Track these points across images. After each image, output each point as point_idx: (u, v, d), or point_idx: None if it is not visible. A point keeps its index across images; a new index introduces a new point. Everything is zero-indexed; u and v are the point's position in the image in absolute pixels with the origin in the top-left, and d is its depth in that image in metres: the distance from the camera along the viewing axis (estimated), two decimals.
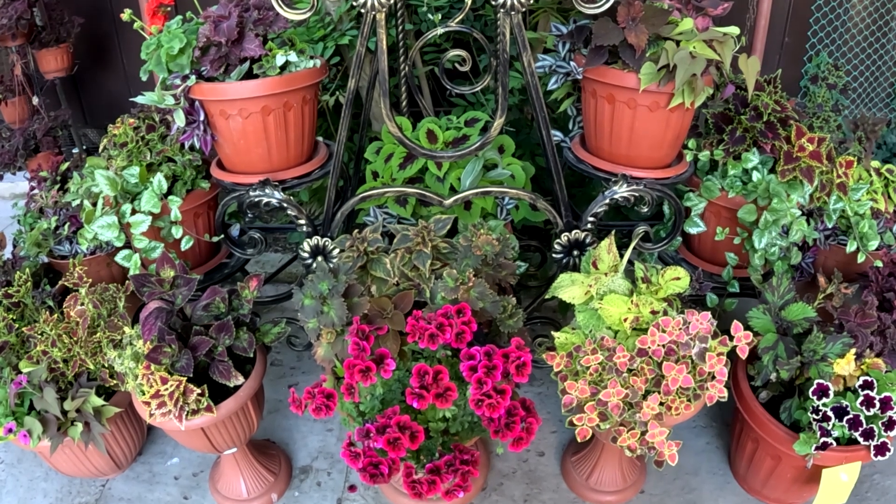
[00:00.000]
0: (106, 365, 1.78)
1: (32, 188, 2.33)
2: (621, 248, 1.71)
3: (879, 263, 1.82)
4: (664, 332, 1.49)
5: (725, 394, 1.50)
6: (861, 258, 1.89)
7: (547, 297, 1.74)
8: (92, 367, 1.76)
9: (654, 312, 1.56)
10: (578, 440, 1.51)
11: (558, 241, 1.86)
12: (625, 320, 1.55)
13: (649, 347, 1.49)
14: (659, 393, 1.48)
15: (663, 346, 1.49)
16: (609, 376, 1.49)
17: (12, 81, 3.09)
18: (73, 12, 3.11)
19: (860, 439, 1.53)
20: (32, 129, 3.08)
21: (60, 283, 1.96)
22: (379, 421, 1.39)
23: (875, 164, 2.03)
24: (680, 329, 1.50)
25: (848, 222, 1.93)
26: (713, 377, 1.49)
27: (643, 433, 1.48)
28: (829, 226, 1.92)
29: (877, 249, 1.91)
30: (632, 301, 1.57)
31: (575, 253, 1.87)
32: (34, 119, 3.12)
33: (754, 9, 2.58)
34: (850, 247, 1.90)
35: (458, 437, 1.52)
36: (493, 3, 1.59)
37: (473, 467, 1.41)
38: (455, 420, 1.49)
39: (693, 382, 1.48)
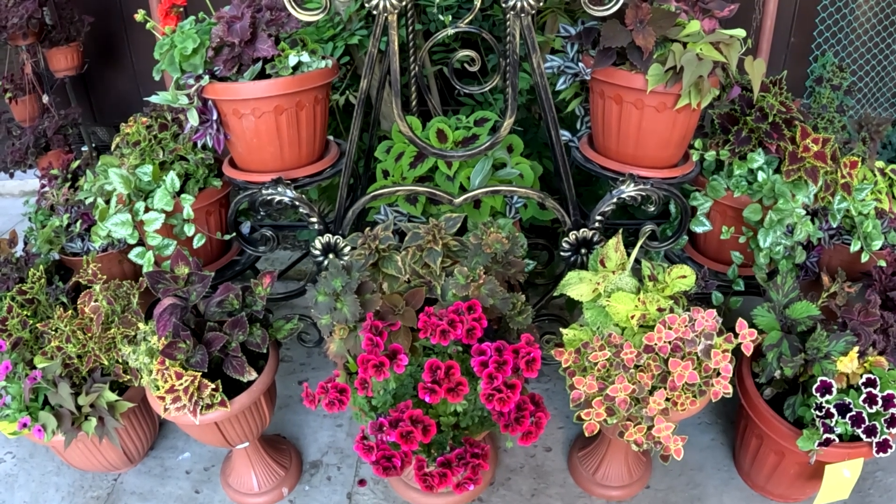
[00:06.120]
0: (120, 360, 1.80)
1: (43, 186, 2.35)
2: (628, 246, 1.74)
3: (883, 263, 1.84)
4: (670, 329, 1.52)
5: (730, 390, 1.52)
6: (865, 257, 1.90)
7: (555, 294, 1.76)
8: (106, 362, 1.79)
9: (660, 310, 1.58)
10: (586, 434, 1.53)
11: (566, 239, 1.88)
12: (632, 317, 1.57)
13: (656, 344, 1.51)
14: (665, 389, 1.51)
15: (669, 342, 1.51)
16: (616, 372, 1.51)
17: (23, 80, 3.12)
18: (83, 11, 3.14)
19: (863, 436, 1.55)
20: (43, 127, 3.11)
21: (74, 279, 1.98)
22: (392, 415, 1.41)
23: (880, 164, 2.05)
24: (686, 326, 1.52)
25: (852, 222, 1.95)
26: (718, 374, 1.52)
27: (649, 428, 1.51)
28: (834, 225, 1.93)
29: (881, 249, 1.92)
30: (639, 299, 1.59)
31: (583, 251, 1.89)
32: (44, 117, 3.15)
33: (760, 9, 2.60)
34: (854, 246, 1.91)
35: (469, 432, 1.54)
36: (503, 4, 1.60)
37: (484, 460, 1.43)
38: (466, 414, 1.51)
39: (698, 379, 1.50)
